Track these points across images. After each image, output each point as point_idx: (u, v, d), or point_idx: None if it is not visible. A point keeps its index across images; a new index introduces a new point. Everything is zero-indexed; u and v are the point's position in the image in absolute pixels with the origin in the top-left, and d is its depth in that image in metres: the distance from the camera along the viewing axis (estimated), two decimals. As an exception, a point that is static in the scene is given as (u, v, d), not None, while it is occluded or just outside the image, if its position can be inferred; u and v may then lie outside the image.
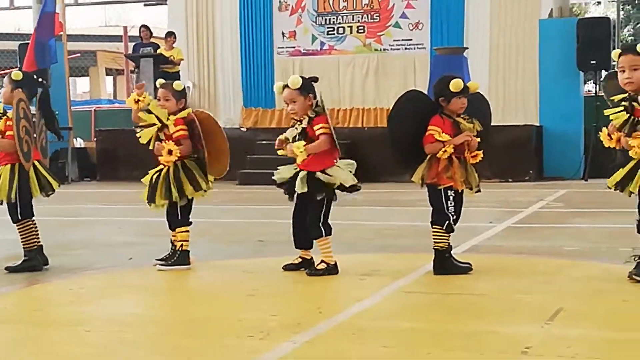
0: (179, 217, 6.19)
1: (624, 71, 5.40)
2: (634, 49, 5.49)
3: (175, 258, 6.17)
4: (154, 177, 6.14)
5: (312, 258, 6.00)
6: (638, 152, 5.23)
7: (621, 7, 18.64)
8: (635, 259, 5.48)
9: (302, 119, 5.88)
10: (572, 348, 3.89)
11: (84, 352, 4.06)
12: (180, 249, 6.17)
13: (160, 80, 6.46)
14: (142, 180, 6.27)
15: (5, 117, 6.11)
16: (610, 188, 5.41)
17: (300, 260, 6.01)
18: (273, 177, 6.05)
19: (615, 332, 4.31)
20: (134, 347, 4.18)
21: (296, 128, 5.91)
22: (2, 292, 5.62)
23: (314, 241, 5.92)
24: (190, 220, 6.24)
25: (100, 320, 4.82)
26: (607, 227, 8.10)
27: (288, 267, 6.00)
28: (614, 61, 5.53)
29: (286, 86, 5.87)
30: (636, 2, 18.09)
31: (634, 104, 5.30)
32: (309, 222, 5.87)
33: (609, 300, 5.06)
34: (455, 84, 5.71)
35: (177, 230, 6.20)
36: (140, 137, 6.16)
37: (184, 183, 6.07)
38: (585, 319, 4.58)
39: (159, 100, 6.21)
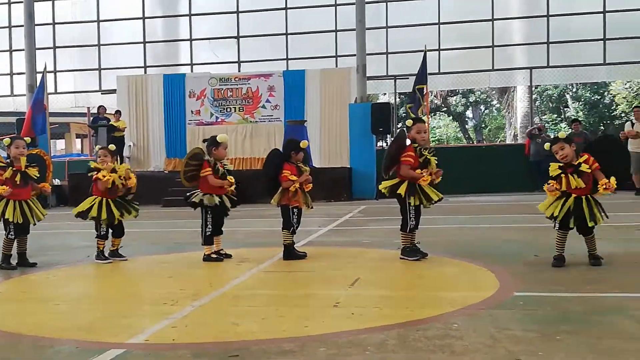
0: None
1: (420, 132, 5.53)
2: (423, 119, 5.73)
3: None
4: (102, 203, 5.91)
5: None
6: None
7: (398, 96, 19.27)
8: (403, 249, 5.65)
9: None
10: (365, 302, 3.99)
11: (54, 317, 3.89)
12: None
13: (97, 147, 6.37)
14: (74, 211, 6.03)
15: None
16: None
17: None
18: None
19: (390, 291, 4.43)
20: (87, 312, 4.04)
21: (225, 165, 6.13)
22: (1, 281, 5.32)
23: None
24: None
25: (67, 296, 4.62)
26: (388, 227, 8.24)
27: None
28: (408, 126, 5.61)
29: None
30: (408, 92, 18.68)
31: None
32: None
33: (387, 272, 5.19)
34: (304, 144, 5.86)
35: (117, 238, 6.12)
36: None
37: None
38: (373, 284, 4.68)
39: (99, 157, 6.00)
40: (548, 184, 5.00)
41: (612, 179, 4.81)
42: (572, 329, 3.17)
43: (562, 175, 4.93)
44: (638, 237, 6.56)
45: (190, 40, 18.47)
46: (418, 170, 5.43)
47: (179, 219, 10.57)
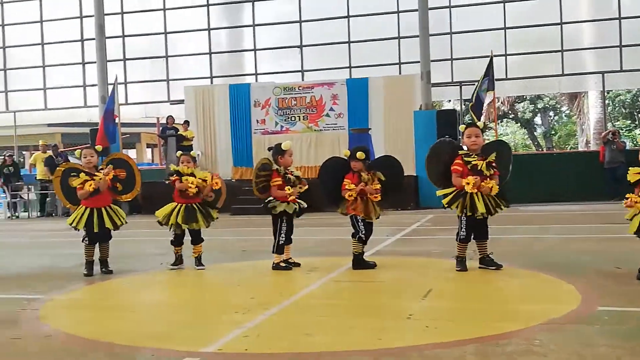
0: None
1: (470, 137, 5.42)
2: (475, 124, 5.55)
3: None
4: (181, 209, 6.01)
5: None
6: (495, 189, 5.22)
7: (463, 102, 18.94)
8: (456, 258, 5.52)
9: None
10: (439, 314, 3.89)
11: (130, 325, 3.96)
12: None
13: (180, 152, 6.38)
14: (157, 213, 6.18)
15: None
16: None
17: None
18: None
19: (464, 304, 4.30)
20: (162, 320, 4.08)
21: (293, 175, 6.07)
22: (77, 287, 5.45)
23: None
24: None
25: (142, 304, 4.70)
26: (458, 237, 8.11)
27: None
28: (461, 132, 5.51)
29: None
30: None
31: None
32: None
33: (460, 283, 5.05)
34: (360, 155, 5.75)
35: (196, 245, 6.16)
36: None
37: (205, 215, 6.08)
38: (446, 296, 4.57)
39: (183, 162, 6.11)
40: (627, 198, 4.71)
41: None
42: (665, 348, 2.98)
43: None
44: None
45: (255, 50, 18.72)
46: (470, 177, 5.26)
47: (246, 227, 10.64)
